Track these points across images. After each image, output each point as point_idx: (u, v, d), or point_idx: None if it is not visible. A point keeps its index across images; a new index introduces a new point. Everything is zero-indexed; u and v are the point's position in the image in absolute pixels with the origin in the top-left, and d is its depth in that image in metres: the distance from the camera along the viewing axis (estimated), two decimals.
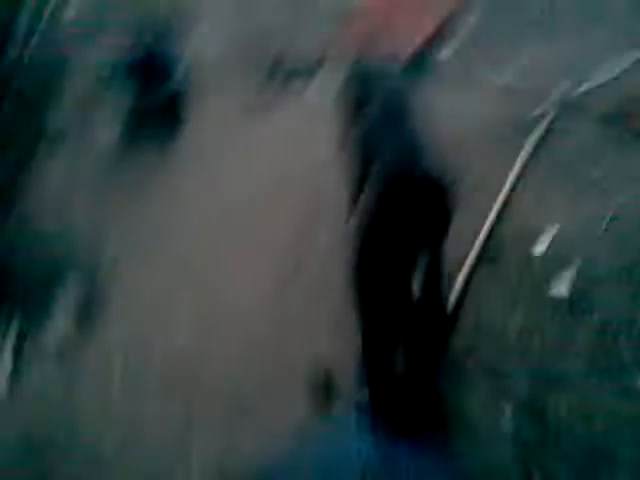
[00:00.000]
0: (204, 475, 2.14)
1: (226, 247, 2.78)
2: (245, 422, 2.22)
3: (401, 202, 1.95)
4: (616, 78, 3.50)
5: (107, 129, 3.40)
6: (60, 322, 2.56)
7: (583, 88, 3.50)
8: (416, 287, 2.01)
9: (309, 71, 3.65)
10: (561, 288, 2.49)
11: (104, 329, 2.54)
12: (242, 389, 2.31)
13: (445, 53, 3.91)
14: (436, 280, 2.15)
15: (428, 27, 3.76)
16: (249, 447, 2.13)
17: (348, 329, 2.24)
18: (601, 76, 3.53)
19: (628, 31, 3.83)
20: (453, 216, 2.11)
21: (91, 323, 2.55)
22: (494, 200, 2.86)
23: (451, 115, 3.35)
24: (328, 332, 2.38)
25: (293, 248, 2.73)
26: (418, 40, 3.74)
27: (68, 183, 3.17)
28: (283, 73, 3.67)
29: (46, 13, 4.00)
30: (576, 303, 2.44)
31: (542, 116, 3.36)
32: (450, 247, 2.63)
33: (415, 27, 3.79)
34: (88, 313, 2.57)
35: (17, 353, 2.49)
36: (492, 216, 2.79)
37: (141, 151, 3.29)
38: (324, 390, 2.23)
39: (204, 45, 3.91)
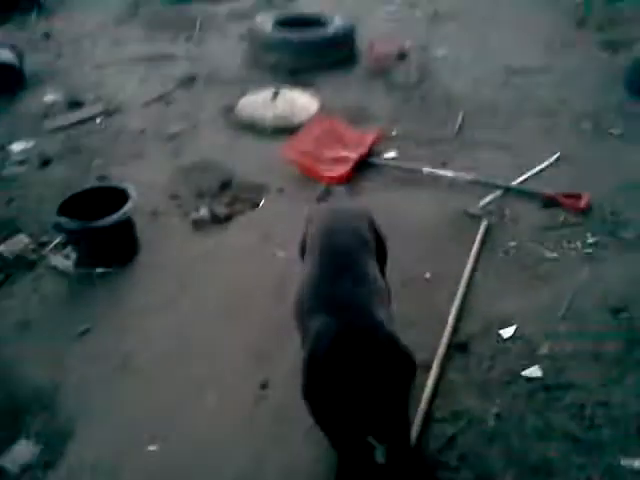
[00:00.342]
0: None
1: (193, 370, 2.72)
2: None
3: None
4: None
5: (63, 256, 3.37)
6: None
7: (522, 178, 3.73)
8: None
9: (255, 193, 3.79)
10: (534, 369, 2.51)
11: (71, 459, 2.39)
12: None
13: (390, 156, 4.12)
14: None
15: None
16: None
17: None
18: (533, 170, 3.79)
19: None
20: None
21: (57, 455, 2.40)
22: (457, 287, 2.91)
23: (404, 212, 3.52)
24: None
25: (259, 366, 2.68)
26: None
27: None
28: (230, 196, 3.78)
29: None
30: (550, 384, 2.45)
31: (489, 205, 3.53)
32: (420, 338, 2.70)
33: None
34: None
35: None
36: (457, 303, 2.82)
37: (100, 276, 3.25)
38: None
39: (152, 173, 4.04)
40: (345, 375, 1.74)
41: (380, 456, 1.89)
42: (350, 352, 1.76)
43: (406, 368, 1.84)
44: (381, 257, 2.33)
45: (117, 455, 2.37)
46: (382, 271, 2.31)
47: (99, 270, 3.27)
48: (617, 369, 2.49)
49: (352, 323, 1.84)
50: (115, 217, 3.17)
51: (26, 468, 2.37)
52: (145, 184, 3.82)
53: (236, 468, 2.28)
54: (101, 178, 3.94)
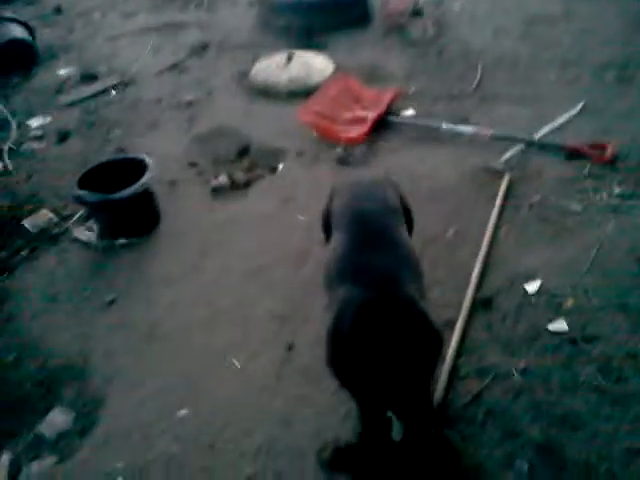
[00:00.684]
0: None
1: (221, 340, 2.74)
2: None
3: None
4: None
5: (86, 228, 3.40)
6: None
7: (544, 131, 3.64)
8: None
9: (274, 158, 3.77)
10: (560, 323, 2.48)
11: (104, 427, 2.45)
12: (249, 463, 2.23)
13: (408, 114, 4.05)
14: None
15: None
16: None
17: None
18: (555, 122, 3.70)
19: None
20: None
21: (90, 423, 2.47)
22: (480, 245, 2.88)
23: (424, 171, 3.48)
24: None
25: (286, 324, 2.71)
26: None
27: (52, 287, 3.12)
28: (248, 162, 3.76)
29: None
30: (577, 337, 2.42)
31: (511, 159, 3.46)
32: (444, 295, 2.69)
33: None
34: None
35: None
36: (480, 259, 2.79)
37: (123, 247, 3.28)
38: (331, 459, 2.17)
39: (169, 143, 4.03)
40: (368, 347, 1.72)
41: (397, 434, 1.89)
42: (374, 324, 1.74)
43: (432, 345, 1.80)
44: (409, 227, 2.28)
45: (149, 420, 2.42)
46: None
47: (122, 241, 3.30)
48: None
49: (378, 294, 1.80)
50: (134, 189, 3.18)
51: (62, 435, 2.43)
52: (163, 154, 3.84)
53: (265, 429, 2.31)
54: (119, 150, 3.95)
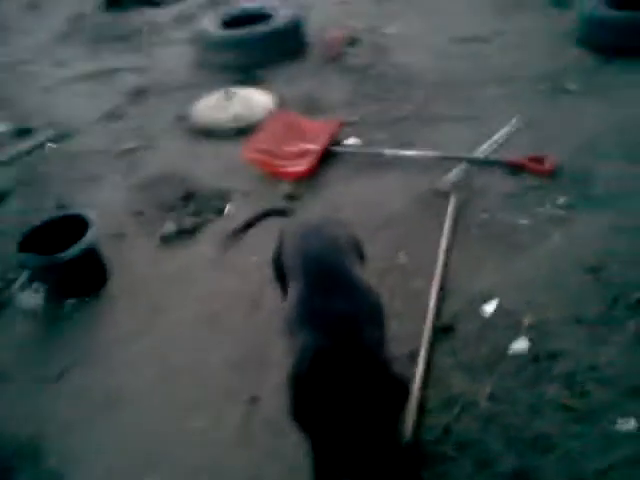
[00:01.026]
0: None
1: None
2: None
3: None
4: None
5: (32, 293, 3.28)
6: None
7: (486, 148, 3.69)
8: None
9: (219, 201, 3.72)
10: (521, 342, 2.48)
11: None
12: None
13: (352, 142, 4.06)
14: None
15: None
16: None
17: None
18: (496, 139, 3.76)
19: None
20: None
21: None
22: (434, 270, 2.87)
23: (372, 199, 3.48)
24: None
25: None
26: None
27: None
28: (194, 206, 3.70)
29: None
30: (538, 354, 2.43)
31: (456, 179, 3.49)
32: (404, 327, 2.66)
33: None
34: None
35: None
36: (436, 285, 2.78)
37: (72, 309, 3.17)
38: None
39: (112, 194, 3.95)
40: (326, 394, 1.69)
41: None
42: (331, 370, 1.71)
43: (392, 391, 1.76)
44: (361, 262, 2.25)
45: None
46: None
47: (71, 302, 3.18)
48: (601, 330, 2.48)
49: (336, 340, 1.77)
50: (79, 247, 3.08)
51: None
52: (106, 206, 3.76)
53: None
54: (60, 207, 3.83)
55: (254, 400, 2.51)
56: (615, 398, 2.23)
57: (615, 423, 2.14)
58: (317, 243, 2.11)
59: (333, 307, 1.87)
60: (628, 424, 2.13)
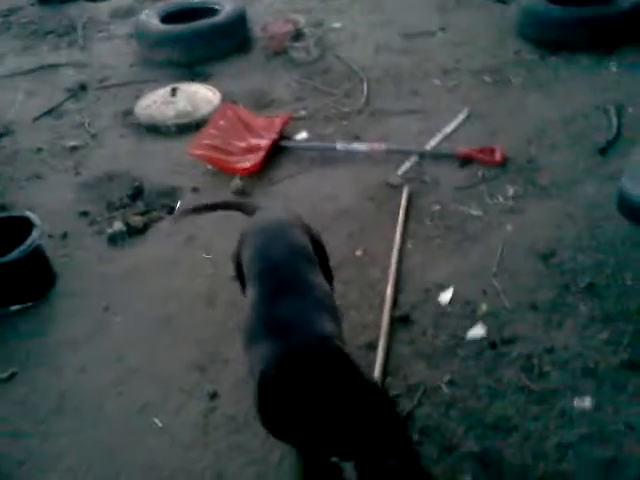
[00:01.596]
0: None
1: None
2: None
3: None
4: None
5: None
6: None
7: (435, 140, 3.74)
8: None
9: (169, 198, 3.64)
10: (477, 329, 2.52)
11: None
12: None
13: (301, 137, 4.04)
14: None
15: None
16: None
17: None
18: (444, 131, 3.81)
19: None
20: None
21: None
22: (389, 262, 2.88)
23: (324, 193, 3.47)
24: None
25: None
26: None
27: None
28: (143, 204, 3.62)
29: None
30: (496, 340, 2.47)
31: (407, 172, 3.51)
32: (362, 317, 2.66)
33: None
34: None
35: None
36: (392, 276, 2.80)
37: (17, 314, 3.04)
38: None
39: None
40: (298, 399, 1.66)
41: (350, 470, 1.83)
42: (298, 374, 1.68)
43: (358, 383, 1.73)
44: (322, 260, 2.22)
45: None
46: (327, 273, 2.23)
47: (16, 308, 3.05)
48: (555, 315, 2.54)
49: (296, 344, 1.75)
50: (21, 250, 2.94)
51: None
52: (50, 206, 3.62)
53: None
54: (1, 208, 3.66)
55: (213, 397, 2.47)
56: (571, 379, 2.29)
57: (572, 403, 2.21)
58: (273, 245, 2.07)
59: (290, 311, 1.84)
60: (584, 403, 2.19)
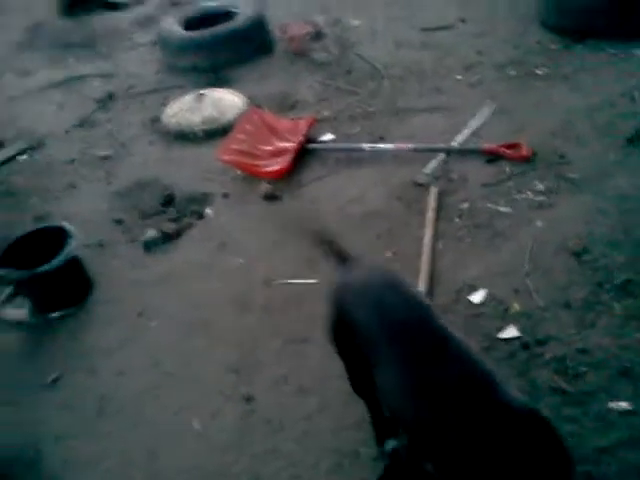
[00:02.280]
0: None
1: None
2: None
3: None
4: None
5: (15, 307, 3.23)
6: None
7: (461, 137, 3.73)
8: None
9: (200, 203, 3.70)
10: (510, 330, 2.52)
11: None
12: None
13: (327, 138, 4.06)
14: None
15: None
16: None
17: None
18: (470, 127, 3.80)
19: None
20: None
21: None
22: (419, 263, 2.89)
23: (352, 194, 3.49)
24: None
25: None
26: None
27: None
28: (175, 211, 3.68)
29: None
30: (529, 341, 2.46)
31: (434, 171, 3.51)
32: None
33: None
34: None
35: None
36: (423, 278, 2.80)
37: (58, 320, 3.13)
38: None
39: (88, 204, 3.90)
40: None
41: None
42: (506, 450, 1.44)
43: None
44: None
45: None
46: None
47: (56, 314, 3.14)
48: (589, 314, 2.52)
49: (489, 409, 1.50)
50: (60, 259, 3.04)
51: None
52: (85, 215, 3.71)
53: None
54: (38, 219, 3.77)
55: (249, 400, 2.52)
56: (607, 381, 2.27)
57: (608, 405, 2.19)
58: (393, 299, 1.75)
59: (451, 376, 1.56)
60: (620, 405, 2.18)
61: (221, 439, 2.41)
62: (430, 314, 1.71)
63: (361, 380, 1.96)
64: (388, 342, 1.68)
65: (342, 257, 1.99)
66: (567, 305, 2.57)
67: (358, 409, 2.16)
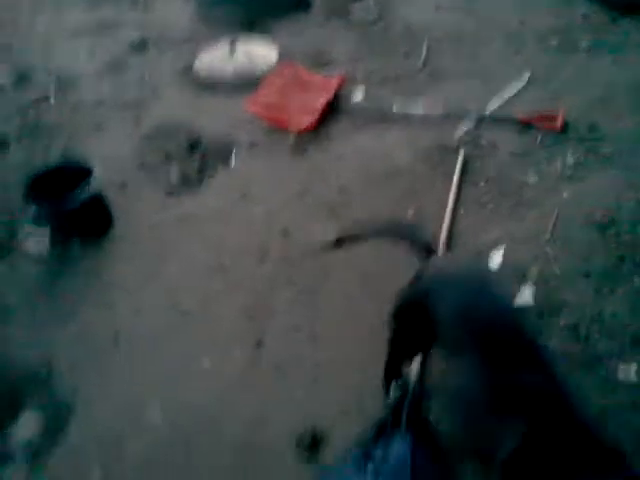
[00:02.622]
0: None
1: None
2: None
3: None
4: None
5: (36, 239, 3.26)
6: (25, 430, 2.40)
7: (494, 104, 3.66)
8: None
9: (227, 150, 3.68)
10: (525, 296, 2.50)
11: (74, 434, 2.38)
12: (227, 458, 2.20)
13: (357, 97, 4.01)
14: None
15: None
16: None
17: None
18: (504, 95, 3.72)
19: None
20: None
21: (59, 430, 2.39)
22: (441, 224, 2.87)
23: (378, 153, 3.45)
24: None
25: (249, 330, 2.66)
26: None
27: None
28: (200, 157, 3.67)
29: None
30: (543, 307, 2.44)
31: (464, 136, 3.46)
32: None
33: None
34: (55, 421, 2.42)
35: None
36: (443, 238, 2.79)
37: (77, 255, 3.16)
38: (310, 446, 2.18)
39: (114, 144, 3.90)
40: None
41: None
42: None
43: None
44: None
45: (120, 427, 2.37)
46: None
47: (76, 248, 3.17)
48: (607, 284, 2.50)
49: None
50: (83, 193, 3.06)
51: (30, 445, 2.36)
52: (111, 156, 3.71)
53: (237, 430, 2.28)
54: (64, 156, 3.80)
55: (260, 344, 2.54)
56: (618, 347, 2.27)
57: (617, 370, 2.18)
58: (487, 301, 1.69)
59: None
60: (629, 370, 2.16)
61: (230, 379, 2.46)
62: (518, 317, 1.69)
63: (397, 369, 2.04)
64: (473, 339, 1.60)
65: (428, 250, 1.96)
66: (586, 274, 2.54)
67: (367, 361, 2.18)
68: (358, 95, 4.03)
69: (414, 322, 1.82)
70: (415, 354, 2.05)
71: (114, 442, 2.31)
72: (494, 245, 2.77)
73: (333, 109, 3.85)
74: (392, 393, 2.15)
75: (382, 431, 2.08)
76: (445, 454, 1.98)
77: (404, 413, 2.09)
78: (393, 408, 2.13)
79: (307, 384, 2.36)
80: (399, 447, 2.01)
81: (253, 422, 2.29)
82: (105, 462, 2.26)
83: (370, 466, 1.96)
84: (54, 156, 3.84)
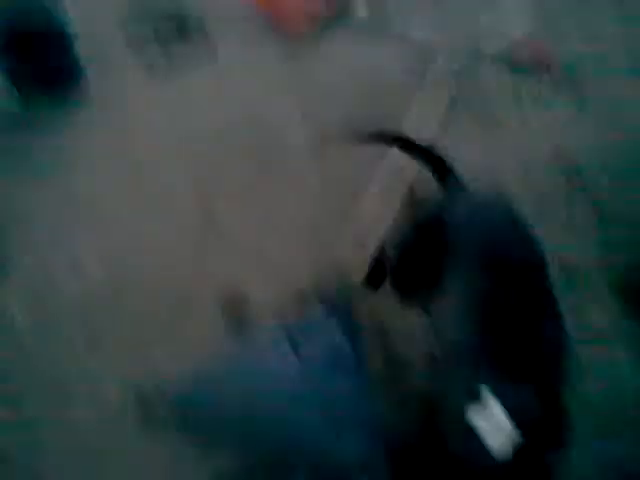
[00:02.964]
0: (121, 398, 2.10)
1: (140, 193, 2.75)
2: (163, 345, 2.20)
3: None
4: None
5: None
6: None
7: (497, 43, 3.60)
8: None
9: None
10: None
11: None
12: (160, 314, 2.28)
13: (361, 12, 3.92)
14: None
15: None
16: (167, 369, 2.10)
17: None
18: (510, 33, 3.66)
19: None
20: None
21: None
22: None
23: (371, 67, 3.41)
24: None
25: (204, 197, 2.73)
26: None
27: None
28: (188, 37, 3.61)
29: None
30: None
31: (459, 67, 3.42)
32: None
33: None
34: None
35: None
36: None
37: (43, 119, 3.11)
38: (237, 314, 2.25)
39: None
40: None
41: None
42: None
43: None
44: None
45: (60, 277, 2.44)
46: None
47: (47, 108, 3.12)
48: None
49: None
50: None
51: None
52: (89, 16, 3.56)
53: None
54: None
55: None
56: None
57: None
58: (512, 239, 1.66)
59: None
60: None
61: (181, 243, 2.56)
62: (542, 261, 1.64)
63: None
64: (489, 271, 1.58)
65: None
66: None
67: None
68: (362, 10, 3.94)
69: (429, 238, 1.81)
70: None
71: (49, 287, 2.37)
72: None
73: (334, 21, 3.75)
74: None
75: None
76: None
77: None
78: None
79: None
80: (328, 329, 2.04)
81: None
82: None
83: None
84: None
